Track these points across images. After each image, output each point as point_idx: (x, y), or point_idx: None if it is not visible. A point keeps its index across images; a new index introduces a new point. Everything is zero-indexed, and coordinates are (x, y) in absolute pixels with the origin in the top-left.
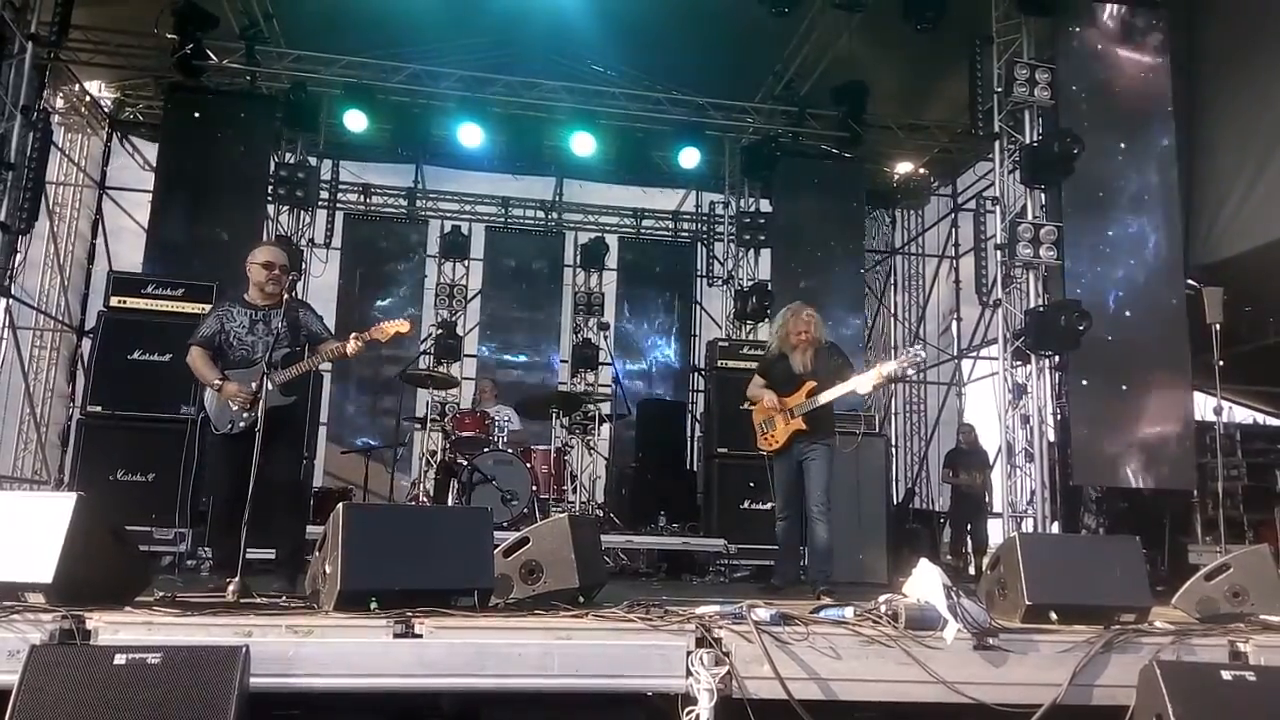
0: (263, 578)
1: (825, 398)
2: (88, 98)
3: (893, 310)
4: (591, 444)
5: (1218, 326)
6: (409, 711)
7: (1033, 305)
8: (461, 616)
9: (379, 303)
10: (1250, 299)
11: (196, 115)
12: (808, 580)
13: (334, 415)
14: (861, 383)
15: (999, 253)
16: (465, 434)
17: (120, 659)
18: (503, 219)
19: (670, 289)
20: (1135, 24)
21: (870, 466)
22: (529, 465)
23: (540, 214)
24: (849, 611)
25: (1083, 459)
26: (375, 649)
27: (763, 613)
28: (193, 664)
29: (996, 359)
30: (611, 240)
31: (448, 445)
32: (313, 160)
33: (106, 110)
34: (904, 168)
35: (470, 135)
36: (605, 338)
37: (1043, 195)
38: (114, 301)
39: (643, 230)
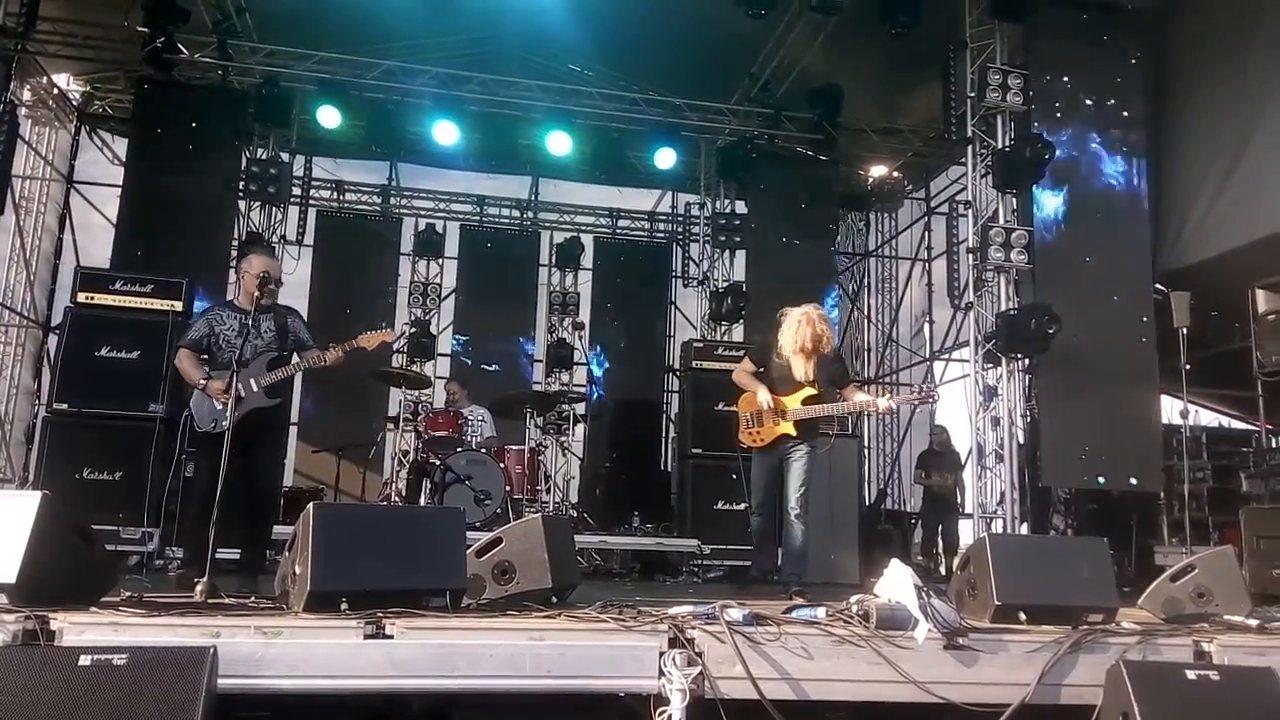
0: (226, 577)
1: (823, 410)
2: (55, 90)
3: (866, 312)
4: (565, 444)
5: (1185, 331)
6: (379, 713)
7: (1004, 309)
8: (433, 617)
9: (352, 300)
10: (1216, 304)
11: (167, 110)
12: (780, 580)
13: (304, 414)
14: (862, 406)
15: (971, 256)
16: (438, 433)
17: (85, 660)
18: (478, 218)
19: (645, 289)
20: (1107, 31)
21: (843, 467)
22: (502, 465)
23: (515, 213)
24: (821, 612)
25: (1052, 461)
26: (345, 650)
27: (735, 613)
28: (160, 665)
29: (968, 361)
30: (587, 240)
31: (420, 445)
32: (285, 156)
33: (75, 103)
34: (878, 171)
35: (445, 133)
36: (580, 337)
37: (1014, 200)
38: (81, 297)
39: (618, 230)
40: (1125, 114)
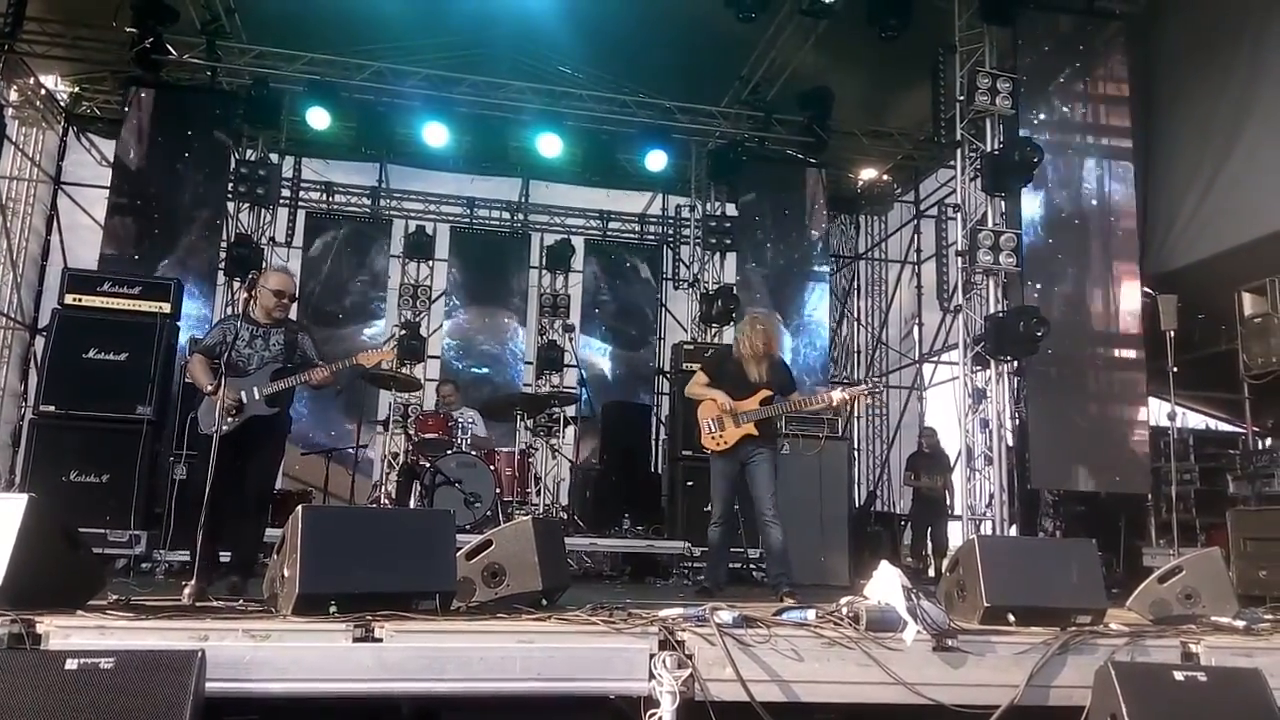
0: (225, 579)
1: (779, 410)
2: (43, 91)
3: (856, 315)
4: (556, 446)
5: (1172, 334)
6: (369, 716)
7: (992, 311)
8: (422, 620)
9: (342, 302)
10: (1203, 307)
11: (155, 111)
12: (769, 583)
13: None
14: (816, 403)
15: (960, 259)
16: (428, 436)
17: (72, 664)
18: (468, 219)
19: (636, 291)
20: (1094, 35)
21: (832, 470)
22: (492, 467)
23: (506, 215)
24: (811, 614)
25: (1040, 463)
26: (334, 653)
27: (725, 615)
28: (147, 669)
29: (957, 364)
30: (578, 242)
31: (410, 447)
32: (274, 158)
33: (62, 104)
34: (868, 174)
35: (436, 135)
36: (570, 339)
37: (1003, 203)
38: (69, 299)
39: (609, 232)
40: (1112, 118)
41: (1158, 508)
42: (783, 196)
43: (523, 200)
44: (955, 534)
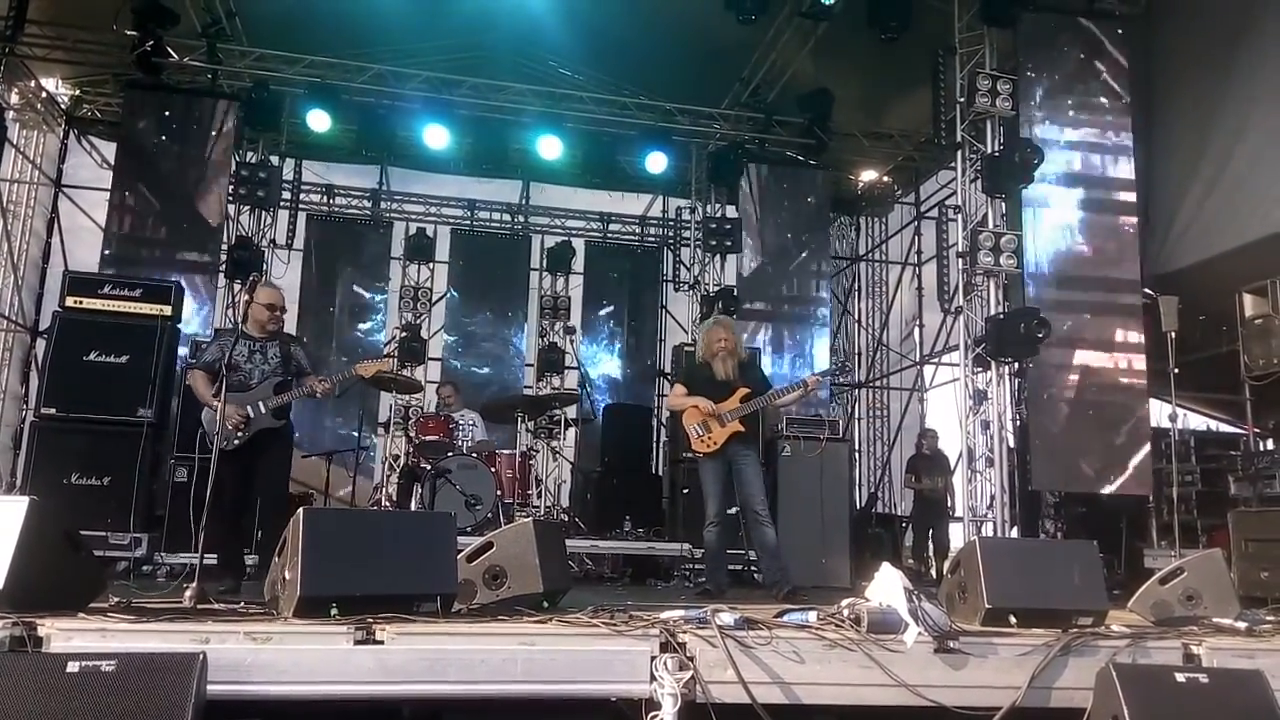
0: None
1: (759, 404)
2: (44, 94)
3: (857, 316)
4: (556, 448)
5: (1173, 335)
6: (370, 718)
7: (993, 312)
8: (424, 622)
9: (342, 305)
10: (1204, 308)
11: (156, 113)
12: (768, 582)
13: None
14: (793, 392)
15: (960, 260)
16: (429, 438)
17: (73, 666)
18: (469, 222)
19: (636, 293)
20: (1095, 36)
21: (833, 471)
22: (493, 469)
23: (506, 217)
24: (812, 615)
25: (1041, 465)
26: (335, 656)
27: (727, 617)
28: (148, 671)
29: (958, 365)
30: (578, 244)
31: (411, 449)
32: (275, 160)
33: (63, 107)
34: (868, 175)
35: (436, 137)
36: (571, 341)
37: (1003, 204)
38: (70, 302)
39: (609, 234)
40: (1113, 119)
41: (1159, 509)
42: (783, 198)
43: (523, 202)
44: (956, 535)
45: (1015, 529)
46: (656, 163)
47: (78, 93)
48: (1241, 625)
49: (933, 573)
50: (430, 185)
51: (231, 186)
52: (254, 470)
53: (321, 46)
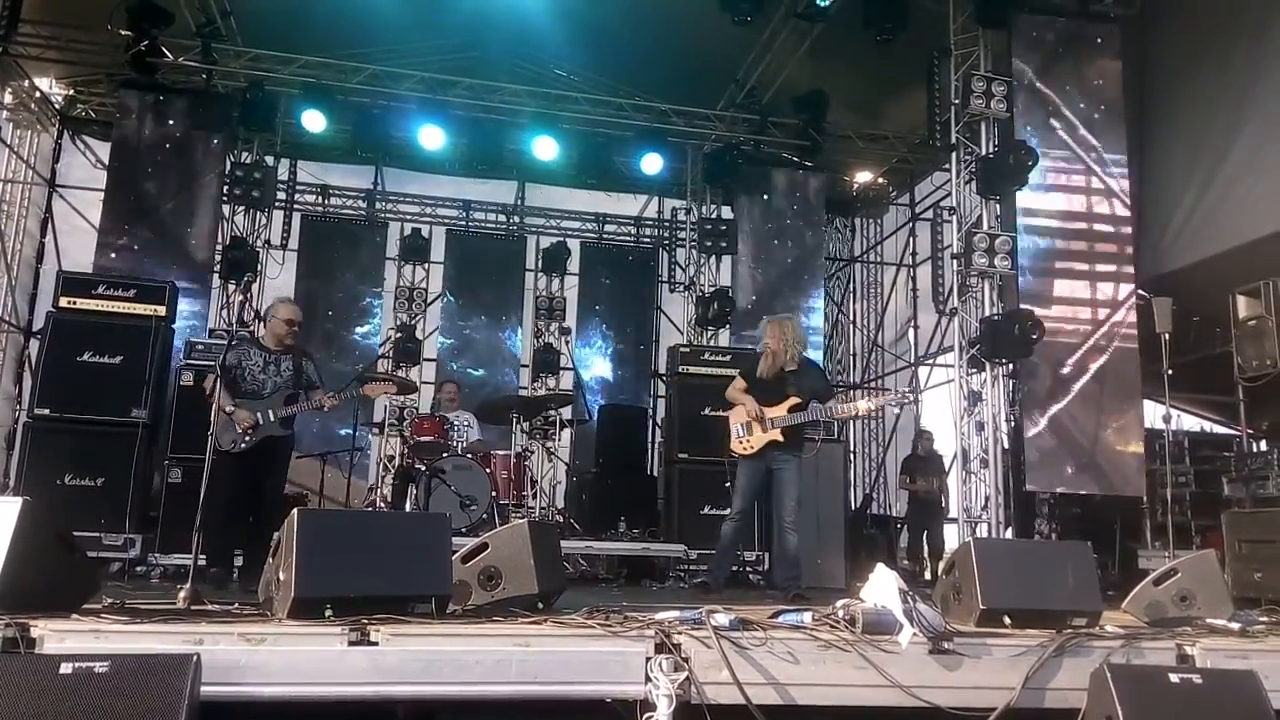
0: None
1: (807, 417)
2: (37, 94)
3: (851, 318)
4: (552, 449)
5: (1166, 336)
6: None
7: (987, 314)
8: (418, 624)
9: (337, 305)
10: (1198, 309)
11: (150, 113)
12: (778, 586)
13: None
14: (840, 411)
15: (955, 262)
16: (424, 439)
17: (66, 668)
18: (464, 222)
19: (632, 294)
20: (1089, 38)
21: (829, 472)
22: (488, 470)
23: (502, 217)
24: (807, 616)
25: (1035, 465)
26: (329, 657)
27: (722, 618)
28: (142, 673)
29: (952, 366)
30: (573, 245)
31: (406, 450)
32: (270, 160)
33: (57, 107)
34: (863, 177)
35: (432, 137)
36: (566, 342)
37: (998, 205)
38: (63, 302)
39: (605, 235)
40: (1107, 121)
41: (1153, 510)
42: (778, 199)
43: (518, 203)
44: (951, 536)
45: (1010, 530)
46: (652, 164)
47: (72, 92)
48: (1235, 626)
49: (927, 573)
50: (425, 186)
51: (226, 187)
52: (255, 473)
53: (316, 47)
